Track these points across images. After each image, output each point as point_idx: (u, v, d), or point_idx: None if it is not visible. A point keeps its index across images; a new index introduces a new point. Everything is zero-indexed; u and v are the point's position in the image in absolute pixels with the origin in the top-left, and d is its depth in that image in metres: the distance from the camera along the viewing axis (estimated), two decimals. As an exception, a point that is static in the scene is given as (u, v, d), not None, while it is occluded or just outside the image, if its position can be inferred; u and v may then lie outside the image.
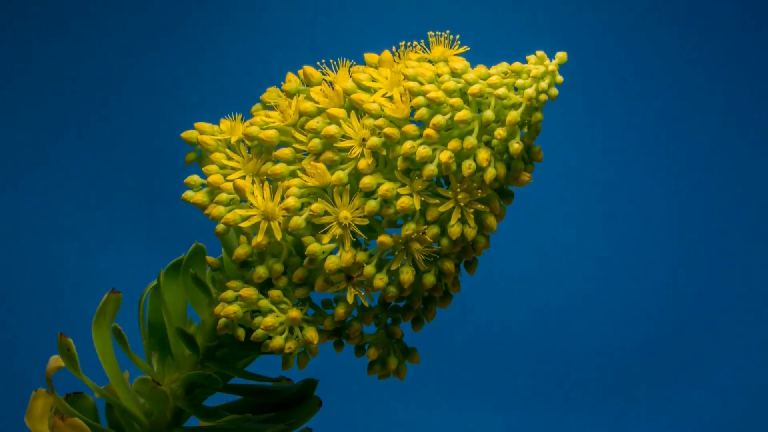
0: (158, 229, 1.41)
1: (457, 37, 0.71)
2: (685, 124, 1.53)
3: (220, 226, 0.69)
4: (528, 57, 0.67)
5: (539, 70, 0.66)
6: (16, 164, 1.45)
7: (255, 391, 0.79)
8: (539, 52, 0.67)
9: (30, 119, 1.45)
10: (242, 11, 1.47)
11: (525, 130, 0.68)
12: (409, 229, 0.67)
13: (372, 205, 0.66)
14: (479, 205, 0.67)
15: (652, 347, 1.49)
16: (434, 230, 0.67)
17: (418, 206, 0.67)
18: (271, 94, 0.73)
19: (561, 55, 0.67)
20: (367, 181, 0.67)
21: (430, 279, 0.69)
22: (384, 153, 0.67)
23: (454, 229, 0.67)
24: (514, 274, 1.47)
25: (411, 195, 0.67)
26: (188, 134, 0.73)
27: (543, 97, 0.66)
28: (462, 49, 0.71)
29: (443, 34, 0.71)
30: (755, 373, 1.49)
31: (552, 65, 0.67)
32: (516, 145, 0.66)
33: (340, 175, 0.67)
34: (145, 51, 1.47)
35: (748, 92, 1.53)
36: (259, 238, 0.67)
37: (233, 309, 0.68)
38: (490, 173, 0.66)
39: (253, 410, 0.79)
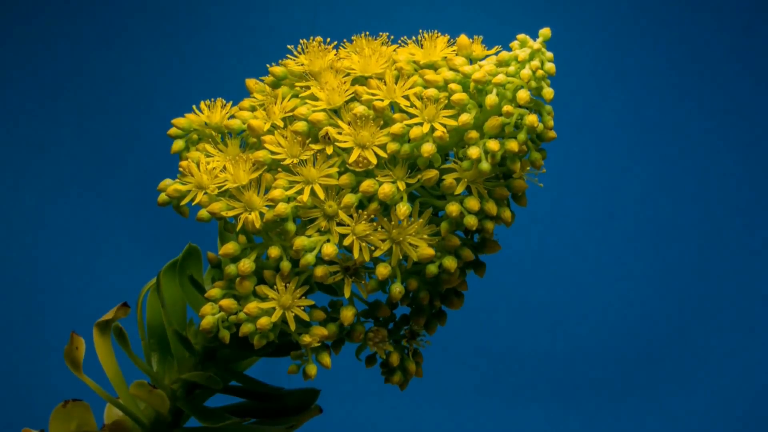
0: (155, 230, 1.42)
1: (447, 36, 0.71)
2: (685, 127, 1.52)
3: (203, 213, 0.68)
4: (511, 44, 0.67)
5: (526, 53, 0.66)
6: (14, 165, 1.45)
7: (256, 394, 0.79)
8: (520, 36, 0.67)
9: (29, 121, 1.46)
10: (242, 10, 1.47)
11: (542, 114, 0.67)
12: (400, 211, 0.66)
13: (350, 198, 0.66)
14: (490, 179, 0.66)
15: (653, 348, 1.48)
16: (454, 207, 0.66)
17: (402, 188, 0.66)
18: (256, 87, 0.73)
19: (544, 32, 0.67)
20: (346, 178, 0.66)
21: (450, 262, 0.67)
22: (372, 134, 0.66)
23: (473, 203, 0.66)
24: (514, 275, 1.47)
25: (393, 182, 0.66)
26: (178, 120, 0.73)
27: (540, 73, 0.66)
28: (451, 48, 0.70)
29: (434, 32, 0.71)
30: (755, 374, 1.47)
31: (537, 44, 0.66)
32: (531, 117, 0.65)
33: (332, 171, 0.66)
34: (143, 54, 1.47)
35: (748, 93, 1.52)
36: (240, 224, 0.66)
37: (227, 302, 0.68)
38: (511, 144, 0.65)
39: (253, 413, 0.79)
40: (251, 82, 0.73)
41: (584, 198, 1.50)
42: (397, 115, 0.66)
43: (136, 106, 1.47)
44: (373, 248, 0.66)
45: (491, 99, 0.65)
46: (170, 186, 0.70)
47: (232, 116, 0.71)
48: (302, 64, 0.71)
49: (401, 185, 0.66)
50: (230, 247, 0.68)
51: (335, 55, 0.71)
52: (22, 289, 1.42)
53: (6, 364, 1.38)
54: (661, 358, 1.48)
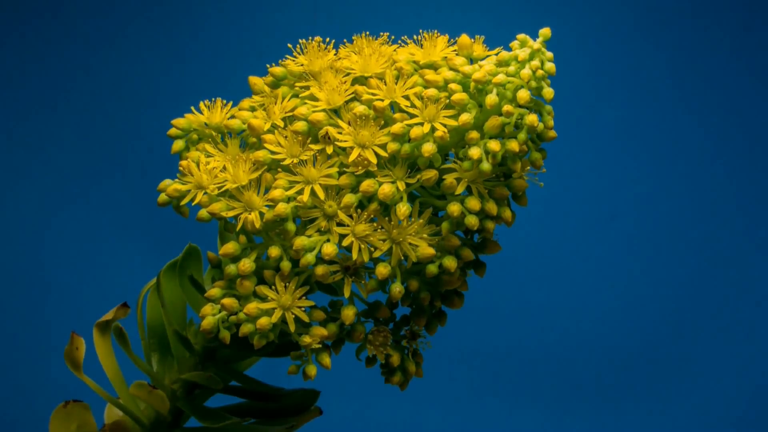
0: (155, 230, 1.41)
1: (447, 36, 0.71)
2: (684, 126, 1.52)
3: (203, 213, 0.68)
4: (511, 44, 0.67)
5: (526, 53, 0.66)
6: (14, 165, 1.45)
7: (256, 394, 0.79)
8: (520, 36, 0.67)
9: (29, 121, 1.46)
10: (242, 10, 1.47)
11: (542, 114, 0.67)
12: (400, 211, 0.66)
13: (350, 198, 0.66)
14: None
15: (652, 348, 1.48)
16: (455, 206, 0.66)
17: (402, 188, 0.66)
18: (256, 87, 0.72)
19: (544, 32, 0.67)
20: (346, 179, 0.66)
21: (450, 262, 0.67)
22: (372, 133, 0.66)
23: (473, 203, 0.66)
24: (513, 275, 1.47)
25: (393, 182, 0.66)
26: (178, 121, 0.73)
27: (540, 72, 0.66)
28: (451, 48, 0.70)
29: (434, 32, 0.71)
30: (755, 375, 1.47)
31: (537, 44, 0.66)
32: (531, 116, 0.65)
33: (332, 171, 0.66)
34: (143, 54, 1.47)
35: (748, 92, 1.52)
36: (240, 224, 0.66)
37: (229, 301, 0.67)
38: (511, 144, 0.65)
39: (253, 413, 0.78)
40: (254, 80, 0.72)
41: (585, 198, 1.50)
42: (397, 115, 0.66)
43: (136, 107, 1.47)
44: (372, 249, 0.66)
45: (491, 99, 0.65)
46: (170, 186, 0.69)
47: (232, 116, 0.71)
48: (302, 65, 0.71)
49: (401, 185, 0.66)
50: (230, 247, 0.68)
51: (335, 55, 0.71)
52: (23, 289, 1.42)
53: (6, 364, 1.38)
54: (661, 358, 1.48)
